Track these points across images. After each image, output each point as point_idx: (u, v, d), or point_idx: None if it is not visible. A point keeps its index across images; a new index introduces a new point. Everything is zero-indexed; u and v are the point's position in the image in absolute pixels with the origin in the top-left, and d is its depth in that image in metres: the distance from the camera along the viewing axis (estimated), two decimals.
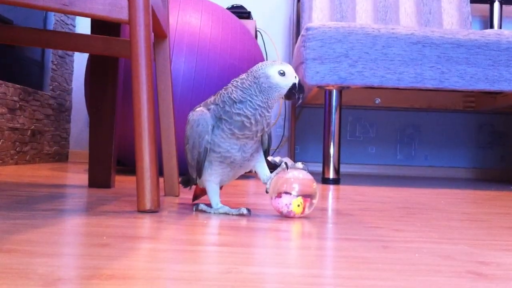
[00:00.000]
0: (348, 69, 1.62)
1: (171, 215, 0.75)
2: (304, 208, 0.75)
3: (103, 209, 0.77)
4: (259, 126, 0.74)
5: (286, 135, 2.54)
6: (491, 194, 1.45)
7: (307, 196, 0.75)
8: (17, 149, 1.82)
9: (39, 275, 0.39)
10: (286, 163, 0.76)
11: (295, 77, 0.74)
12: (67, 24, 2.35)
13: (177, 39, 1.52)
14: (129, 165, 1.85)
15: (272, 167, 0.80)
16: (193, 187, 0.87)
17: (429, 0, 2.35)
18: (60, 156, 2.32)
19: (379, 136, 2.58)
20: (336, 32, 1.63)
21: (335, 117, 1.71)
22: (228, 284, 0.39)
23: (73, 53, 2.46)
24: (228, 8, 2.29)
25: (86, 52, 1.08)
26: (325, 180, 1.69)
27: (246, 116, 0.72)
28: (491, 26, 2.49)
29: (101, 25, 1.14)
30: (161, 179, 1.08)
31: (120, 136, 1.50)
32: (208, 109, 0.75)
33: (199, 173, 0.77)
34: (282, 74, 0.72)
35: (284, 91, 0.73)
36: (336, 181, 1.69)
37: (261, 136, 0.78)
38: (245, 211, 0.76)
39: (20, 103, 1.82)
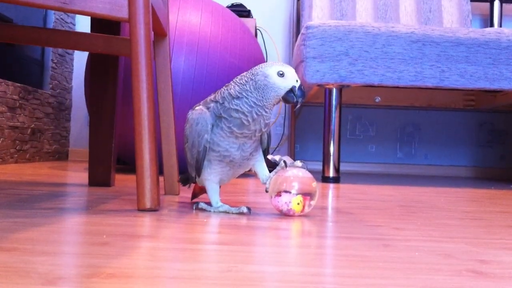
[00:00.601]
0: (348, 68, 1.62)
1: (171, 214, 0.75)
2: (304, 207, 0.75)
3: (103, 208, 0.77)
4: (257, 126, 0.73)
5: (286, 134, 2.54)
6: (491, 193, 1.45)
7: (306, 194, 0.75)
8: (17, 148, 1.82)
9: (39, 274, 0.39)
10: (285, 161, 0.76)
11: (296, 80, 0.73)
12: (67, 22, 2.35)
13: (177, 37, 1.52)
14: (129, 164, 1.85)
15: (272, 165, 0.80)
16: (192, 185, 0.87)
17: None
18: (60, 155, 2.32)
19: (379, 134, 2.58)
20: (336, 31, 1.62)
21: (335, 115, 1.71)
22: (228, 282, 0.39)
23: (73, 52, 2.46)
24: (228, 7, 2.29)
25: (86, 51, 1.08)
26: (325, 179, 1.69)
27: (243, 113, 0.72)
28: (491, 25, 2.49)
29: (101, 24, 1.14)
30: (161, 178, 1.08)
31: (120, 134, 1.50)
32: (208, 108, 0.75)
33: (198, 172, 0.77)
34: (281, 75, 0.72)
35: (282, 92, 0.72)
36: (336, 180, 1.69)
37: (260, 135, 0.78)
38: (245, 210, 0.76)
39: (20, 101, 1.82)
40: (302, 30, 1.68)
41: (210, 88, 1.52)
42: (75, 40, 1.05)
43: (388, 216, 0.82)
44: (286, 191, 0.74)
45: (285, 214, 0.76)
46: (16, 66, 1.88)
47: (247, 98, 0.72)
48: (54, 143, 2.22)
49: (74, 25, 2.46)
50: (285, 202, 0.75)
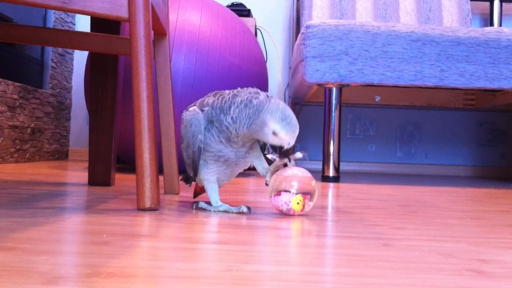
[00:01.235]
0: (348, 67, 1.62)
1: (171, 213, 0.75)
2: (303, 206, 0.75)
3: (103, 207, 0.77)
4: (246, 143, 0.74)
5: None
6: (491, 192, 1.45)
7: (306, 193, 0.75)
8: (17, 147, 1.82)
9: (40, 273, 0.39)
10: (282, 154, 0.75)
11: (288, 143, 0.71)
12: (66, 22, 2.35)
13: (177, 37, 1.52)
14: (129, 163, 1.85)
15: (271, 164, 0.80)
16: (193, 184, 0.88)
17: None
18: (60, 154, 2.32)
19: (379, 134, 2.58)
20: (336, 30, 1.62)
21: (335, 115, 1.71)
22: (228, 282, 0.39)
23: (73, 51, 2.46)
24: (228, 6, 2.29)
25: (86, 50, 1.08)
26: (325, 178, 1.69)
27: (232, 133, 0.73)
28: (491, 24, 2.49)
29: (101, 23, 1.14)
30: (161, 177, 1.08)
31: (120, 134, 1.50)
32: (202, 110, 0.75)
33: (195, 172, 0.77)
34: (275, 134, 0.70)
35: (270, 142, 0.72)
36: (336, 179, 1.69)
37: None
38: (245, 209, 0.76)
39: (20, 101, 1.82)
40: (302, 30, 1.68)
41: (210, 87, 1.52)
42: (75, 40, 1.05)
43: (388, 216, 0.82)
44: (285, 191, 0.74)
45: (285, 214, 0.76)
46: (16, 65, 1.88)
47: (241, 125, 0.72)
48: (54, 143, 2.22)
49: (74, 24, 2.46)
50: (285, 202, 0.74)
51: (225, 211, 0.77)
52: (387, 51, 1.62)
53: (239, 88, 0.76)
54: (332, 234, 0.64)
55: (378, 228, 0.68)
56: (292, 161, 0.76)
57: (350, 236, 0.62)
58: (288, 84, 2.53)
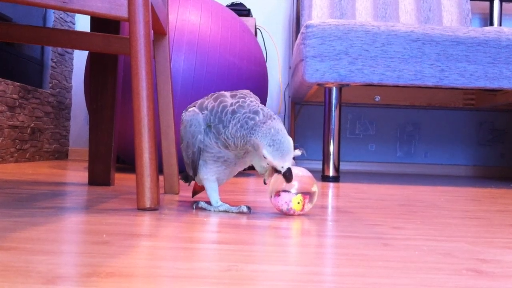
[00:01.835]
0: (347, 67, 1.62)
1: (170, 213, 0.75)
2: (303, 206, 0.75)
3: (103, 207, 0.77)
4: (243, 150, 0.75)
5: None
6: (491, 192, 1.45)
7: (306, 193, 0.75)
8: (17, 147, 1.82)
9: (39, 273, 0.39)
10: (283, 176, 0.75)
11: (281, 167, 0.70)
12: (66, 21, 2.35)
13: (176, 36, 1.52)
14: (129, 163, 1.85)
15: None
16: (193, 182, 0.88)
17: None
18: (60, 154, 2.32)
19: (379, 133, 2.58)
20: (336, 30, 1.62)
21: (335, 114, 1.71)
22: (228, 281, 0.39)
23: (73, 51, 2.46)
24: (227, 6, 2.29)
25: (86, 50, 1.08)
26: (325, 178, 1.69)
27: (230, 145, 0.73)
28: (491, 24, 2.49)
29: (100, 23, 1.14)
30: (161, 177, 1.08)
31: (120, 133, 1.50)
32: (202, 113, 0.75)
33: (195, 171, 0.77)
34: (265, 158, 0.70)
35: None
36: (336, 179, 1.69)
37: None
38: (245, 209, 0.76)
39: (19, 101, 1.82)
40: (302, 29, 1.68)
41: (210, 87, 1.52)
42: (74, 39, 1.05)
43: (388, 215, 0.82)
44: (285, 191, 0.74)
45: (285, 214, 0.76)
46: (16, 65, 1.88)
47: (237, 143, 0.72)
48: (54, 142, 2.22)
49: (73, 24, 2.46)
50: (285, 202, 0.74)
51: (225, 211, 0.77)
52: (387, 51, 1.62)
53: (241, 94, 0.75)
54: (332, 234, 0.64)
55: (378, 228, 0.68)
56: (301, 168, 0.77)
57: (350, 235, 0.62)
58: (288, 84, 2.53)
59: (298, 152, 0.77)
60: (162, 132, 1.02)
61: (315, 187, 0.76)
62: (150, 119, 0.77)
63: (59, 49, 2.26)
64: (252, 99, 0.75)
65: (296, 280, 0.40)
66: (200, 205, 0.79)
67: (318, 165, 2.23)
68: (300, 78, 1.70)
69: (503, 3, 2.56)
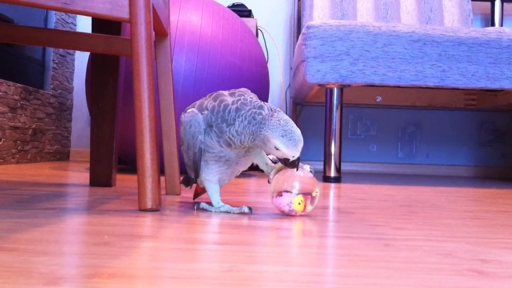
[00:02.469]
0: (349, 67, 1.62)
1: (172, 214, 0.75)
2: (305, 206, 0.75)
3: (104, 208, 0.77)
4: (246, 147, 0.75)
5: None
6: (492, 192, 1.45)
7: (308, 194, 0.75)
8: (18, 148, 1.82)
9: (41, 274, 0.39)
10: (290, 165, 0.75)
11: (292, 156, 0.71)
12: (68, 23, 2.35)
13: (178, 37, 1.52)
14: (130, 164, 1.85)
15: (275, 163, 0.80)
16: (194, 185, 0.88)
17: None
18: (61, 155, 2.32)
19: (380, 134, 2.58)
20: (337, 30, 1.62)
21: (336, 115, 1.71)
22: (229, 282, 0.39)
23: (74, 52, 2.46)
24: (229, 7, 2.29)
25: (87, 51, 1.08)
26: (326, 179, 1.69)
27: (235, 143, 0.73)
28: (492, 24, 2.49)
29: (102, 24, 1.14)
30: (162, 178, 1.08)
31: (121, 134, 1.50)
32: (202, 113, 0.75)
33: (197, 173, 0.77)
34: (278, 149, 0.71)
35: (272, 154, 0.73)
36: (337, 180, 1.69)
37: None
38: (246, 210, 0.76)
39: (21, 102, 1.82)
40: (303, 30, 1.68)
41: (211, 88, 1.52)
42: (76, 41, 1.05)
43: (389, 216, 0.82)
44: (287, 191, 0.74)
45: (286, 214, 0.76)
46: (17, 66, 1.88)
47: (245, 139, 0.72)
48: (55, 144, 2.23)
49: (75, 25, 2.46)
50: (287, 202, 0.75)
51: (227, 212, 0.77)
52: (388, 51, 1.62)
53: (240, 92, 0.75)
54: (333, 235, 0.64)
55: (379, 229, 0.68)
56: (304, 169, 0.76)
57: (351, 236, 0.62)
58: (289, 84, 2.53)
59: (307, 168, 0.78)
60: (164, 133, 1.02)
61: (317, 188, 0.76)
62: (152, 120, 0.77)
63: (61, 50, 2.26)
64: (251, 96, 0.75)
65: (297, 281, 0.40)
66: (201, 206, 0.79)
67: (320, 166, 2.23)
68: (301, 78, 1.70)
69: (505, 4, 2.56)
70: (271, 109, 0.72)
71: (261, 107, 0.72)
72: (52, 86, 2.16)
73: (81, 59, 2.49)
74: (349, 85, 1.71)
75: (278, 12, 2.58)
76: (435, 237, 0.64)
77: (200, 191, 0.89)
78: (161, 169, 0.81)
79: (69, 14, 2.33)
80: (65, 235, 0.57)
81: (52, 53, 2.16)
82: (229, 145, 0.74)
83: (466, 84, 1.64)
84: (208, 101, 0.76)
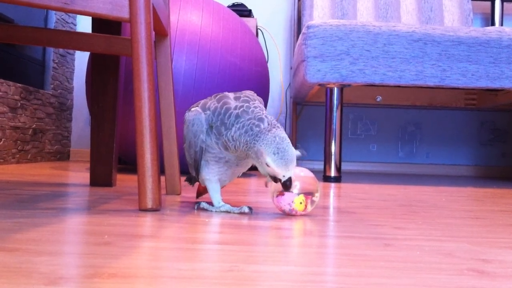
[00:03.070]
0: (349, 67, 1.62)
1: (172, 214, 0.75)
2: (306, 206, 0.75)
3: (104, 208, 0.77)
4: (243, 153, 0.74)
5: (287, 133, 2.54)
6: (492, 192, 1.45)
7: (308, 193, 0.75)
8: (18, 148, 1.82)
9: (41, 274, 0.39)
10: (282, 186, 0.74)
11: (283, 176, 0.70)
12: (68, 22, 2.35)
13: (178, 37, 1.52)
14: (130, 164, 1.85)
15: None
16: (196, 184, 0.88)
17: None
18: (62, 155, 2.32)
19: (380, 134, 2.58)
20: (337, 30, 1.62)
21: (336, 115, 1.71)
22: (230, 282, 0.39)
23: (74, 52, 2.46)
24: (229, 6, 2.29)
25: (87, 51, 1.08)
26: (326, 178, 1.69)
27: (230, 147, 0.73)
28: (492, 24, 2.49)
29: (102, 24, 1.14)
30: (162, 178, 1.08)
31: (121, 134, 1.50)
32: (205, 113, 0.75)
33: (197, 171, 0.78)
34: (268, 166, 0.70)
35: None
36: (337, 179, 1.69)
37: None
38: (246, 209, 0.76)
39: (21, 102, 1.82)
40: (303, 30, 1.68)
41: (211, 88, 1.52)
42: (76, 40, 1.05)
43: (389, 216, 0.82)
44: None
45: (287, 214, 0.76)
46: (17, 66, 1.88)
47: (239, 147, 0.72)
48: (56, 144, 2.23)
49: (75, 25, 2.46)
50: (287, 202, 0.75)
51: (227, 212, 0.77)
52: (388, 51, 1.62)
53: (245, 97, 0.74)
54: (334, 234, 0.64)
55: (380, 228, 0.68)
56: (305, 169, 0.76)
57: (351, 236, 0.62)
58: (290, 84, 2.53)
59: (298, 153, 0.77)
60: (164, 133, 1.02)
61: (317, 187, 0.76)
62: (152, 120, 0.77)
63: (61, 50, 2.26)
64: (256, 103, 0.74)
65: (297, 281, 0.40)
66: (202, 206, 0.79)
67: (320, 166, 2.23)
68: (302, 78, 1.70)
69: (505, 3, 2.56)
70: (270, 124, 0.71)
71: (261, 120, 0.71)
72: (52, 86, 2.16)
73: (81, 59, 2.49)
74: (349, 85, 1.70)
75: (278, 12, 2.58)
76: (436, 236, 0.64)
77: (203, 190, 0.89)
78: (161, 169, 0.81)
79: (69, 14, 2.33)
80: (66, 235, 0.57)
81: (52, 53, 2.16)
82: (226, 149, 0.74)
83: (466, 83, 1.64)
84: (211, 102, 0.76)
